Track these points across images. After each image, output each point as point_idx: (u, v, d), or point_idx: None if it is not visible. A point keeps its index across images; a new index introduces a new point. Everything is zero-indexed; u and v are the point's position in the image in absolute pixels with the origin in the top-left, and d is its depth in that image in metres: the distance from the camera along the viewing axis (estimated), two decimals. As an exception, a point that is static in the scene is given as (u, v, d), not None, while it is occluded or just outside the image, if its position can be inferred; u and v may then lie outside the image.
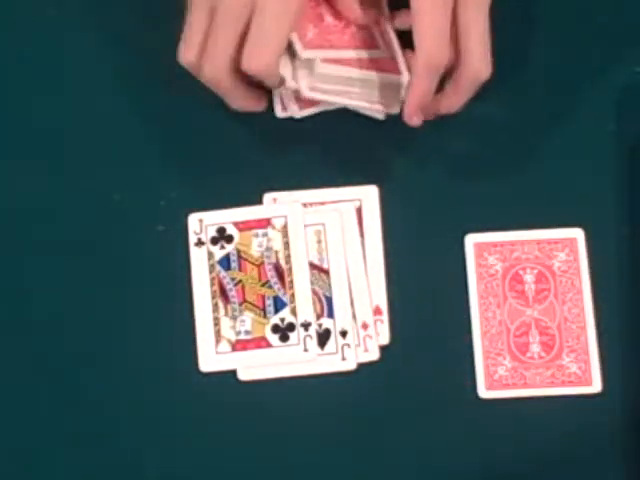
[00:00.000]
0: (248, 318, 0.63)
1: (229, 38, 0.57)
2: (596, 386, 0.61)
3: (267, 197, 0.64)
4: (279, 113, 0.64)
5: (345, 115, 0.64)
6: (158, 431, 0.63)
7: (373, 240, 0.64)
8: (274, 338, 0.63)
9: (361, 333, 0.63)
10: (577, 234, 0.63)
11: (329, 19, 0.60)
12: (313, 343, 0.62)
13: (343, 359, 0.62)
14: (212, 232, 0.64)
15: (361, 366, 0.62)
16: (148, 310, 0.63)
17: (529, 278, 0.63)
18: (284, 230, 0.64)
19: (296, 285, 0.63)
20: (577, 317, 0.63)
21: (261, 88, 0.62)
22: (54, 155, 0.65)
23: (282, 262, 0.63)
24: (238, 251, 0.64)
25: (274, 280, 0.63)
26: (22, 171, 0.65)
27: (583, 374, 0.62)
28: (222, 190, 0.64)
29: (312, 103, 0.63)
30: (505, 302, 0.63)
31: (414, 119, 0.60)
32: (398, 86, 0.60)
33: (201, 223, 0.64)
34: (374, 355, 0.63)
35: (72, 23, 0.67)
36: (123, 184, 0.65)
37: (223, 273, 0.63)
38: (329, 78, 0.60)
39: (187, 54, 0.59)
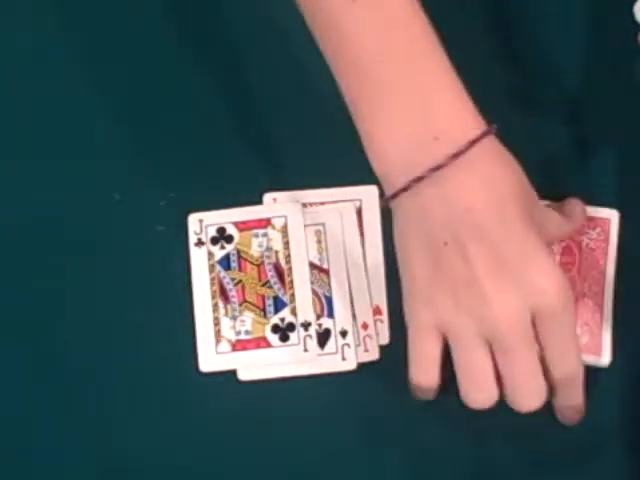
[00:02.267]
0: (248, 318, 0.63)
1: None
2: (605, 357, 0.61)
3: (267, 197, 0.64)
4: None
5: (345, 115, 0.64)
6: (158, 431, 0.63)
7: (373, 240, 0.64)
8: (274, 338, 0.63)
9: (361, 333, 0.63)
10: (612, 215, 0.63)
11: None
12: (313, 343, 0.62)
13: (343, 359, 0.62)
14: (212, 232, 0.64)
15: (361, 366, 0.62)
16: (148, 310, 0.63)
17: (555, 249, 0.62)
18: (284, 230, 0.64)
19: (296, 285, 0.63)
20: (595, 295, 0.62)
21: None
22: (54, 155, 0.65)
23: (282, 262, 0.63)
24: (238, 251, 0.64)
25: (274, 280, 0.63)
26: (22, 171, 0.65)
27: (593, 345, 0.61)
28: (222, 190, 0.64)
29: None
30: None
31: None
32: None
33: (201, 223, 0.64)
34: (374, 355, 0.63)
35: (71, 25, 0.67)
36: (123, 184, 0.65)
37: (223, 273, 0.63)
38: None
39: (422, 380, 0.58)
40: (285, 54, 0.65)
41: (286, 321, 0.63)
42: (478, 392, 0.56)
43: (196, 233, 0.64)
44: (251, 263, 0.64)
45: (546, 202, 0.62)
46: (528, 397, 0.56)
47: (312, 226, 0.64)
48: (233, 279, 0.63)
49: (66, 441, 0.63)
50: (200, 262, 0.64)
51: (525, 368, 0.55)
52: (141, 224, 0.64)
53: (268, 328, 0.63)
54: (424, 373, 0.57)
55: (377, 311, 0.63)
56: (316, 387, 0.62)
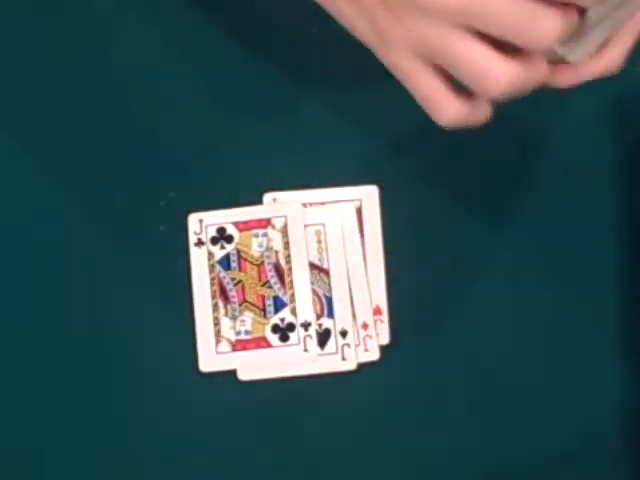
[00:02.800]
0: (248, 318, 0.63)
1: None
2: None
3: (267, 197, 0.64)
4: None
5: (345, 115, 0.64)
6: (158, 431, 0.63)
7: (373, 240, 0.64)
8: (274, 338, 0.63)
9: (361, 333, 0.63)
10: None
11: None
12: (313, 343, 0.62)
13: (343, 359, 0.62)
14: (212, 232, 0.64)
15: (361, 366, 0.62)
16: (148, 310, 0.63)
17: None
18: (284, 230, 0.64)
19: (296, 285, 0.63)
20: None
21: None
22: (54, 155, 0.65)
23: (282, 262, 0.63)
24: (238, 251, 0.64)
25: (274, 280, 0.63)
26: (22, 171, 0.65)
27: None
28: (222, 190, 0.64)
29: None
30: None
31: None
32: None
33: (201, 223, 0.64)
34: (374, 355, 0.63)
35: (70, 22, 0.67)
36: (123, 184, 0.65)
37: (223, 273, 0.63)
38: None
39: (450, 111, 0.50)
40: (285, 54, 0.65)
41: (286, 321, 0.63)
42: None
43: (196, 233, 0.64)
44: (251, 263, 0.64)
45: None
46: (490, 78, 0.48)
47: (312, 226, 0.64)
48: (233, 279, 0.63)
49: (66, 441, 0.63)
50: (200, 262, 0.64)
51: (464, 50, 0.48)
52: (141, 224, 0.64)
53: (268, 328, 0.63)
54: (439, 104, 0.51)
55: (377, 311, 0.63)
56: (316, 387, 0.62)
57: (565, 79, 0.53)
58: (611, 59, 0.52)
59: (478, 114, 0.51)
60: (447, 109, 0.50)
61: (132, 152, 0.65)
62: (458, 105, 0.50)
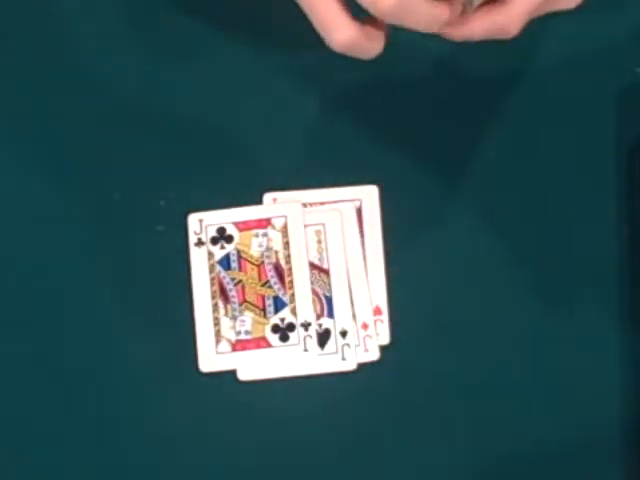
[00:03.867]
0: (248, 318, 0.63)
1: None
2: None
3: (267, 197, 0.64)
4: None
5: (345, 115, 0.64)
6: (158, 431, 0.63)
7: (373, 240, 0.64)
8: (274, 338, 0.63)
9: (361, 333, 0.63)
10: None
11: None
12: (313, 343, 0.62)
13: (343, 359, 0.62)
14: (212, 232, 0.64)
15: (361, 366, 0.63)
16: (148, 310, 0.63)
17: None
18: (284, 230, 0.64)
19: (296, 285, 0.63)
20: None
21: None
22: (54, 155, 0.65)
23: (282, 262, 0.63)
24: (238, 251, 0.64)
25: (274, 280, 0.63)
26: (22, 171, 0.65)
27: None
28: (222, 190, 0.64)
29: None
30: None
31: None
32: None
33: (201, 223, 0.64)
34: (374, 355, 0.63)
35: (70, 22, 0.67)
36: (123, 184, 0.65)
37: (223, 273, 0.63)
38: None
39: (343, 34, 0.50)
40: (285, 54, 0.65)
41: (286, 321, 0.63)
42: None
43: (196, 233, 0.64)
44: (251, 263, 0.64)
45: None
46: None
47: (312, 226, 0.64)
48: (233, 279, 0.63)
49: (66, 441, 0.63)
50: (200, 262, 0.64)
51: None
52: (141, 224, 0.64)
53: (268, 328, 0.63)
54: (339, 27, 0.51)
55: (377, 311, 0.63)
56: (316, 387, 0.62)
57: (456, 31, 0.52)
58: (497, 20, 0.52)
59: (371, 43, 0.51)
60: (340, 32, 0.50)
61: (132, 152, 0.65)
62: (352, 30, 0.50)
